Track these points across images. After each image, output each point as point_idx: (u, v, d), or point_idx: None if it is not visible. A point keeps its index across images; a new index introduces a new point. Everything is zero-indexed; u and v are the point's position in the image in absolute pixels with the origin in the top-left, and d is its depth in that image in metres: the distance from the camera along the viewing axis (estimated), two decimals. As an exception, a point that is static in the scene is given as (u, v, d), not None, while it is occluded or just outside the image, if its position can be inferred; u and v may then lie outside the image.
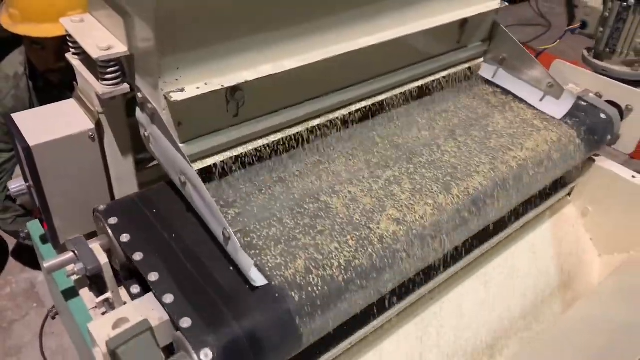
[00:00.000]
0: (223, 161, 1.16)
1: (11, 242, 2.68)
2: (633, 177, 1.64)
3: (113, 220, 1.06)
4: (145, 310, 0.95)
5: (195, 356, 0.87)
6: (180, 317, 0.90)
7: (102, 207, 1.10)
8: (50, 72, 2.09)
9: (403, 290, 1.22)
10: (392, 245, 1.09)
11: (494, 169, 1.31)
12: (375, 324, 1.20)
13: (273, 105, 1.20)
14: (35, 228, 1.37)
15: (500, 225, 1.45)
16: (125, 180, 1.24)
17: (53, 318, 1.52)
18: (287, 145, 1.26)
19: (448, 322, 1.39)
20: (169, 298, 0.93)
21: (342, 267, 1.02)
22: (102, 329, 0.90)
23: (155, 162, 1.30)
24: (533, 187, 1.40)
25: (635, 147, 1.70)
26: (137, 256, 1.00)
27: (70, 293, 1.20)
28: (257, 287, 0.95)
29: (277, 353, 0.95)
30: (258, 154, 1.21)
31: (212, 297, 0.95)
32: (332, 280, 1.00)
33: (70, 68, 1.19)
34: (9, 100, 2.14)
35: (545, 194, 1.59)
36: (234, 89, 1.08)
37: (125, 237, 1.03)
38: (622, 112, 1.67)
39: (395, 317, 1.29)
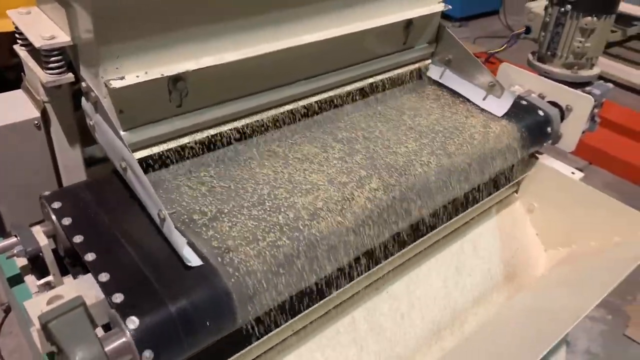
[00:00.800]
0: (167, 150, 1.19)
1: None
2: (572, 173, 1.72)
3: (56, 205, 1.09)
4: (82, 289, 0.97)
5: (127, 331, 0.90)
6: (113, 294, 0.93)
7: (47, 193, 1.13)
8: (6, 70, 2.11)
9: (344, 277, 1.26)
10: (331, 228, 1.13)
11: (435, 160, 1.37)
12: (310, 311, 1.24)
13: (217, 97, 1.24)
14: (-16, 219, 1.39)
15: (445, 216, 1.50)
16: (73, 170, 1.27)
17: (5, 313, 1.53)
18: (231, 138, 1.30)
19: (392, 312, 1.44)
20: (104, 277, 0.96)
21: (277, 249, 1.06)
22: (37, 306, 0.93)
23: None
24: (473, 179, 1.46)
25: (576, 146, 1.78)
26: (77, 238, 1.03)
27: (15, 280, 1.21)
28: (192, 267, 0.98)
29: (210, 331, 0.98)
30: (202, 145, 1.25)
31: (147, 276, 0.98)
32: (268, 260, 1.04)
33: (20, 61, 1.23)
34: None
35: (490, 190, 1.65)
36: (175, 79, 1.12)
37: (67, 221, 1.06)
38: (563, 112, 1.75)
39: (334, 309, 1.33)
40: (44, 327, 0.88)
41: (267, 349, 1.21)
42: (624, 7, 4.79)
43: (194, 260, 0.99)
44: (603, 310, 2.46)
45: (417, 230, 1.42)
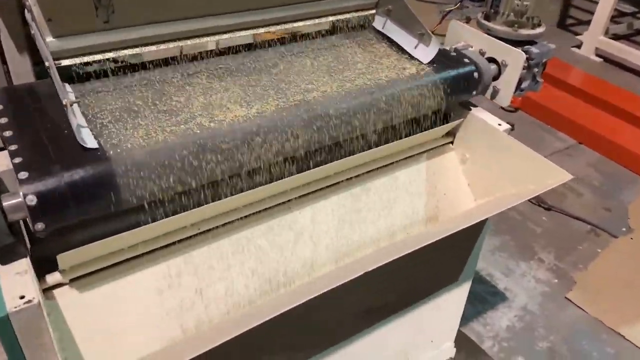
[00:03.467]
0: (93, 62, 1.38)
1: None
2: (499, 124, 1.80)
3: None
4: (-4, 159, 1.17)
5: (21, 193, 1.09)
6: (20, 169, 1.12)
7: (-13, 87, 1.34)
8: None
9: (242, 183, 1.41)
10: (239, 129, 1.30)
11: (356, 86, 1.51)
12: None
13: (143, 19, 1.41)
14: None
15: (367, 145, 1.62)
16: (23, 75, 1.47)
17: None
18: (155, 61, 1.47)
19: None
20: (13, 147, 1.16)
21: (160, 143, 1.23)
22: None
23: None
24: (391, 113, 1.57)
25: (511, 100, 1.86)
26: (2, 120, 1.23)
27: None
28: (88, 149, 1.16)
29: (96, 203, 1.16)
30: (126, 63, 1.43)
31: (51, 154, 1.16)
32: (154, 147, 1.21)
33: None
34: None
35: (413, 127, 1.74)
36: (99, -5, 1.30)
37: (-4, 106, 1.26)
38: (500, 68, 1.83)
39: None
40: (-46, 180, 1.09)
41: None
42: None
43: (89, 142, 1.16)
44: (550, 274, 2.51)
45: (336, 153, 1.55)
